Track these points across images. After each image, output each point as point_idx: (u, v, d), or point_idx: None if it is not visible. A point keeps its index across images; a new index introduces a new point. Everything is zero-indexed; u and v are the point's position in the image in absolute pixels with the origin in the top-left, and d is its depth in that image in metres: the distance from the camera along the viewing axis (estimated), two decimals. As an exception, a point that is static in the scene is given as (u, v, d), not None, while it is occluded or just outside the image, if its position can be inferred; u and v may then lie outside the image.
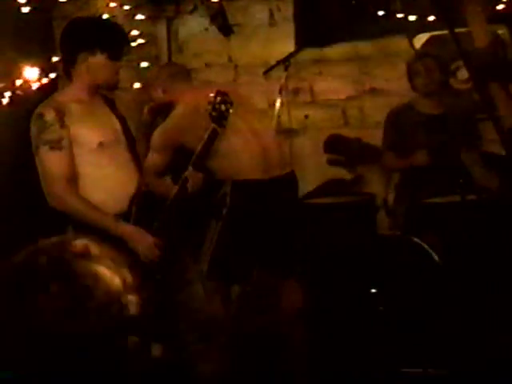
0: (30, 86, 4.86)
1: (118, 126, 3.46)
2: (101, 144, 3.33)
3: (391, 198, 5.10)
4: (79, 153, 3.32)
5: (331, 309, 4.63)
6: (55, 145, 3.27)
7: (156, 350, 3.78)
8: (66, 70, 3.44)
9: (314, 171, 5.83)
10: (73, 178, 3.31)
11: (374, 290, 4.70)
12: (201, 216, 3.92)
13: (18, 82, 4.82)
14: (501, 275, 4.19)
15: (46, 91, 4.74)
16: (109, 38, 3.39)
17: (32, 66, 4.89)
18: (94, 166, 3.35)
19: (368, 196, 5.33)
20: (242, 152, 3.87)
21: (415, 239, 4.40)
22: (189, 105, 3.90)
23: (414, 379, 4.02)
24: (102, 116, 3.44)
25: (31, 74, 4.87)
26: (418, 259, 4.36)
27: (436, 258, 4.30)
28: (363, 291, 4.61)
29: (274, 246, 3.88)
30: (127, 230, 3.33)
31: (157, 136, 3.87)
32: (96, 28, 3.45)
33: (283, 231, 3.92)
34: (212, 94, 3.41)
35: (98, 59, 3.34)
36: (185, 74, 4.25)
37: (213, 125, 3.42)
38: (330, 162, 5.67)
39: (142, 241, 3.33)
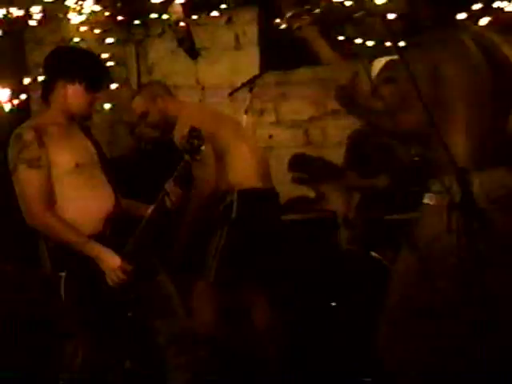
0: (2, 107, 4.91)
1: (91, 148, 3.46)
2: (77, 165, 3.32)
3: (352, 214, 5.12)
4: (56, 173, 3.30)
5: (295, 318, 4.63)
6: (33, 163, 3.25)
7: (131, 364, 3.87)
8: (45, 95, 3.43)
9: (278, 189, 5.73)
10: (48, 196, 3.29)
11: (333, 303, 4.73)
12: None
13: None
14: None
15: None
16: (89, 70, 3.42)
17: (3, 87, 4.95)
18: (71, 187, 3.33)
19: (330, 213, 5.36)
20: (244, 166, 4.20)
21: (373, 253, 4.47)
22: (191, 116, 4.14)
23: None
24: (78, 140, 3.44)
25: (3, 95, 4.93)
26: (375, 272, 4.39)
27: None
28: (325, 301, 4.65)
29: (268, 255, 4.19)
30: (97, 250, 3.30)
31: None
32: (78, 59, 3.45)
33: (275, 242, 4.27)
34: (186, 130, 3.46)
35: (76, 89, 3.37)
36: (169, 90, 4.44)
37: (186, 157, 3.45)
38: (294, 180, 5.73)
39: (109, 263, 3.30)
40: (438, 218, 2.80)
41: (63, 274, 3.31)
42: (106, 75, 3.66)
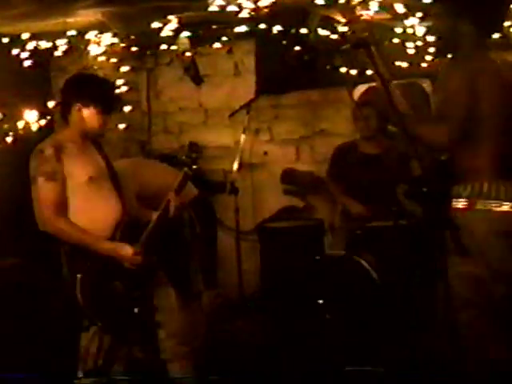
0: (30, 127, 5.03)
1: (103, 164, 3.56)
2: (90, 178, 3.44)
3: (336, 222, 5.20)
4: (71, 185, 3.41)
5: (285, 316, 4.74)
6: (50, 176, 3.36)
7: (137, 352, 3.95)
8: (64, 115, 3.55)
9: (271, 199, 5.96)
10: (62, 205, 3.39)
11: (321, 301, 4.79)
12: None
13: (20, 124, 4.99)
14: (425, 286, 4.27)
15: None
16: (101, 95, 3.52)
17: (31, 109, 5.06)
18: (83, 197, 3.43)
19: (317, 221, 5.47)
20: None
21: (356, 257, 4.53)
22: None
23: (354, 376, 4.05)
24: (91, 155, 3.54)
25: (31, 116, 5.04)
26: (358, 274, 4.49)
27: (373, 273, 4.45)
28: (312, 301, 4.70)
29: None
30: (108, 245, 3.43)
31: None
32: (93, 86, 3.55)
33: None
34: (185, 144, 3.68)
35: (90, 111, 3.49)
36: None
37: (185, 169, 3.61)
38: (286, 192, 5.86)
39: (124, 251, 3.43)
40: (483, 222, 2.81)
41: (79, 276, 3.37)
42: (117, 100, 3.74)
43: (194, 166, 3.62)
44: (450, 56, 3.15)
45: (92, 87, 3.53)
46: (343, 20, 4.80)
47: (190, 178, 3.64)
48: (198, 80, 5.84)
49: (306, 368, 4.16)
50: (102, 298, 3.42)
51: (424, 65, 5.19)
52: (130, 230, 3.50)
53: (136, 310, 3.46)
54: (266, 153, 6.03)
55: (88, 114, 3.49)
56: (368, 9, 4.52)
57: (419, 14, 4.57)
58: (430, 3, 4.03)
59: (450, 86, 2.86)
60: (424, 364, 3.84)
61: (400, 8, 4.49)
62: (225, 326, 4.94)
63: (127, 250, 3.44)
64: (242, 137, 5.22)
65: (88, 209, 3.44)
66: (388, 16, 4.69)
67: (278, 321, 4.74)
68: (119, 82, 5.47)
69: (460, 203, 2.89)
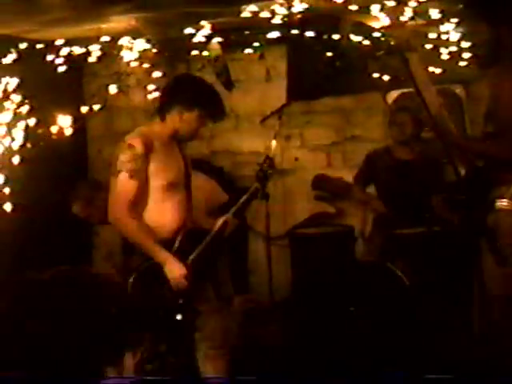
0: (63, 132, 5.04)
1: (182, 166, 3.50)
2: (168, 184, 3.40)
3: (368, 229, 5.18)
4: (151, 186, 3.38)
5: (316, 323, 4.70)
6: (135, 174, 3.31)
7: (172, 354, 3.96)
8: (161, 112, 3.44)
9: (302, 205, 5.96)
10: (136, 204, 3.35)
11: (352, 308, 4.78)
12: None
13: (54, 128, 4.99)
14: (457, 293, 4.36)
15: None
16: (208, 100, 3.44)
17: (65, 114, 5.06)
18: (158, 198, 3.41)
19: (348, 227, 5.44)
20: None
21: (388, 264, 4.50)
22: None
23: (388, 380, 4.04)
24: (175, 158, 3.48)
25: (64, 121, 5.04)
26: (390, 282, 4.47)
27: (406, 280, 4.42)
28: (343, 308, 4.69)
29: None
30: (165, 257, 3.37)
31: None
32: (199, 90, 3.46)
33: None
34: (263, 158, 3.57)
35: (191, 115, 3.42)
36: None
37: (256, 184, 3.55)
38: (317, 198, 5.86)
39: (175, 270, 3.37)
40: None
41: (132, 278, 3.38)
42: (222, 107, 3.56)
43: (266, 182, 3.56)
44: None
45: (198, 91, 3.44)
46: (376, 26, 4.77)
47: (258, 194, 3.56)
48: (229, 85, 5.79)
49: (334, 372, 4.15)
50: (150, 301, 3.41)
51: (458, 71, 5.11)
52: (191, 238, 3.46)
53: (179, 317, 3.41)
54: (297, 159, 6.03)
55: (188, 118, 3.41)
56: (403, 15, 4.49)
57: (454, 20, 4.53)
58: (466, 9, 3.99)
59: (504, 97, 2.82)
60: (454, 369, 3.81)
61: (435, 14, 4.46)
62: (255, 330, 4.92)
63: (178, 270, 3.38)
64: (273, 142, 4.97)
65: (159, 210, 3.41)
66: (423, 22, 4.65)
67: (309, 326, 4.69)
68: (151, 87, 5.45)
69: (503, 204, 2.89)
